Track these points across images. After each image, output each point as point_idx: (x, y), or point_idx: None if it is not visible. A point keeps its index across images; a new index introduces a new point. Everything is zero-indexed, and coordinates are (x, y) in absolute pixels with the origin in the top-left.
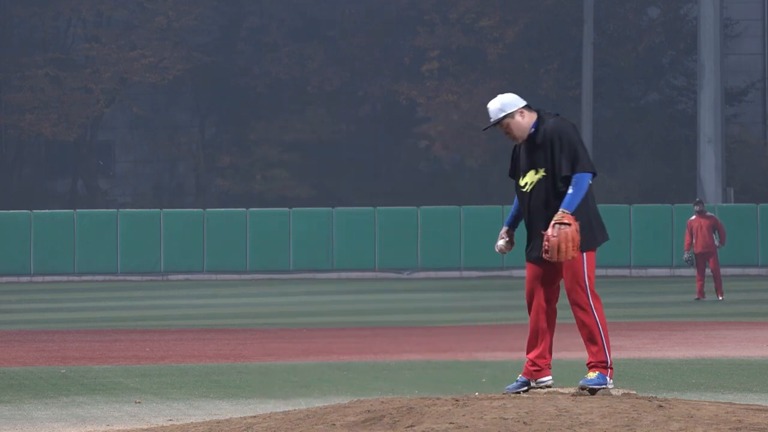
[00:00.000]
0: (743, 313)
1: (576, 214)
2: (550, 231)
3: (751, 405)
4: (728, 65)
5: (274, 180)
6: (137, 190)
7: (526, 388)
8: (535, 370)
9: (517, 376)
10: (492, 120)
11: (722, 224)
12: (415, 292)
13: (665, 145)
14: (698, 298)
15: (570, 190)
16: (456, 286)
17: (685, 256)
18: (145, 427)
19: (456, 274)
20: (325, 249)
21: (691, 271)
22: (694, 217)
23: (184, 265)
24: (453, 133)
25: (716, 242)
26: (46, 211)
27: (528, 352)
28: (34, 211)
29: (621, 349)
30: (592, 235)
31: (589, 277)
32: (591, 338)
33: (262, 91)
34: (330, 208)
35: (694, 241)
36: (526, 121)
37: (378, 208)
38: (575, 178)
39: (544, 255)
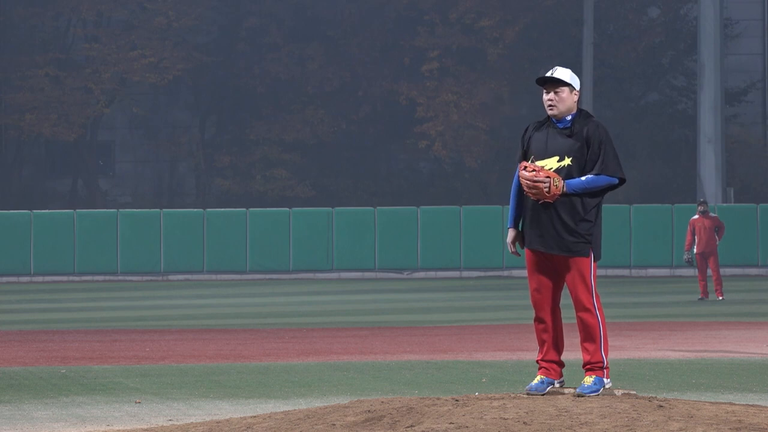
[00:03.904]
0: (743, 313)
1: (592, 218)
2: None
3: (751, 405)
4: (728, 65)
5: (274, 180)
6: (137, 190)
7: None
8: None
9: (530, 376)
10: (555, 75)
11: (724, 225)
12: (415, 292)
13: (665, 145)
14: (702, 298)
15: (586, 176)
16: (456, 286)
17: (686, 256)
18: (145, 427)
19: (456, 274)
20: (325, 249)
21: (691, 271)
22: (696, 216)
23: (184, 265)
24: (453, 133)
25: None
26: (46, 211)
27: (561, 354)
28: (34, 211)
29: (621, 349)
30: (599, 248)
31: (594, 277)
32: (590, 338)
33: (262, 91)
34: (330, 208)
35: (696, 240)
36: (572, 104)
37: (378, 208)
38: (603, 175)
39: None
